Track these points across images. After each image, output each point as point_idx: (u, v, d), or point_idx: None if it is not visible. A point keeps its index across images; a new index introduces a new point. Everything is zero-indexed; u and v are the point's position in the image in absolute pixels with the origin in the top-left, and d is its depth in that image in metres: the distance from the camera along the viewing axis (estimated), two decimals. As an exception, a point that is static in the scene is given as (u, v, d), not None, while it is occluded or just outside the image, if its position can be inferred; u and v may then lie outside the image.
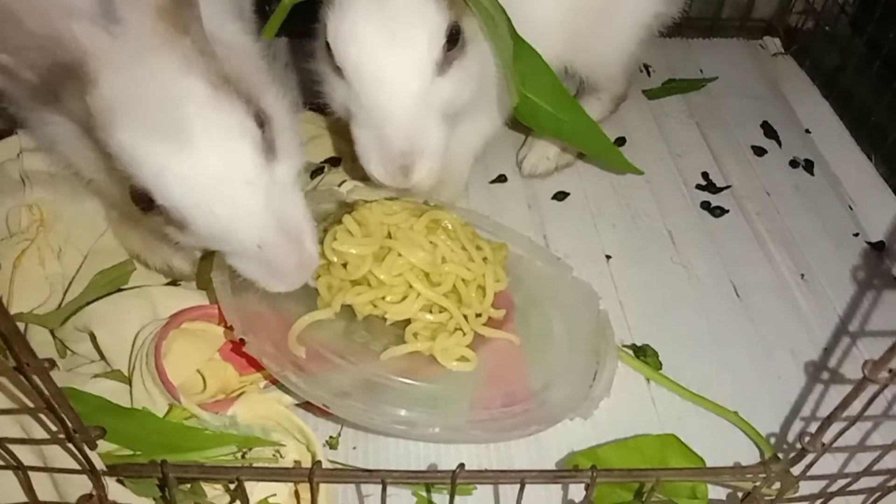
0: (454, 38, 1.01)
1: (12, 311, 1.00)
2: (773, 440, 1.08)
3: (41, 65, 0.83)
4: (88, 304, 0.98)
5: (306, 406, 1.01)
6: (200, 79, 0.85)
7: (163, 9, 0.84)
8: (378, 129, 1.01)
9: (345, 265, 1.01)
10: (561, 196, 1.44)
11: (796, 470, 0.83)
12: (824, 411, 1.11)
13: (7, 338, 0.60)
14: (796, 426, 1.10)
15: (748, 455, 1.06)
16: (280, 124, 0.94)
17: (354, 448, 1.04)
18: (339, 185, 1.30)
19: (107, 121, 0.84)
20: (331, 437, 1.04)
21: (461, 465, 0.77)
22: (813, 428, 0.76)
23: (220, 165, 0.84)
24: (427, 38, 0.98)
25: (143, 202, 0.87)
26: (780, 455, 1.05)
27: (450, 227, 1.07)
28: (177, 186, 0.84)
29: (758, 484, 0.86)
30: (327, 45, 1.01)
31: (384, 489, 0.79)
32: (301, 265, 0.92)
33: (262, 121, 0.89)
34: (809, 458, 0.79)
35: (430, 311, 1.02)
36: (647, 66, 1.72)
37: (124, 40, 0.84)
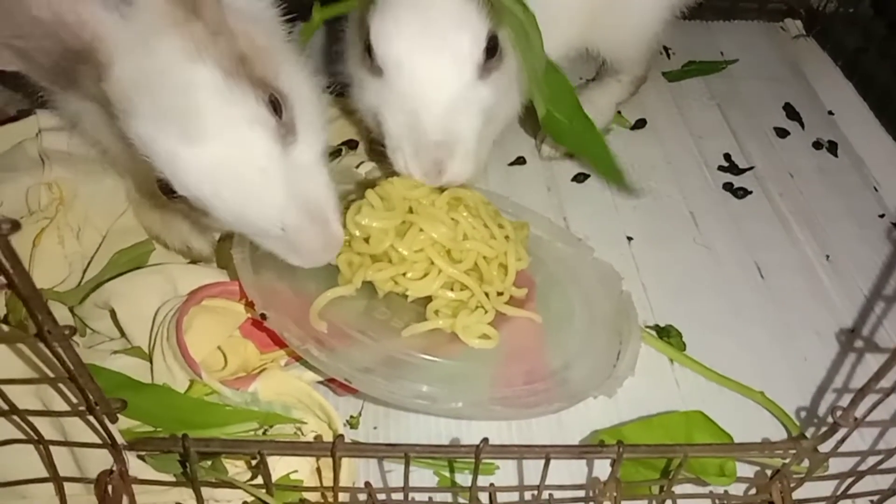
0: (493, 47, 1.02)
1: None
2: (799, 420, 1.07)
3: (53, 51, 0.82)
4: (108, 280, 0.97)
5: (326, 384, 1.01)
6: (212, 65, 0.83)
7: None
8: (414, 122, 1.00)
9: (367, 239, 1.00)
10: (581, 178, 1.42)
11: (826, 447, 0.81)
12: (853, 386, 1.09)
13: (28, 302, 0.59)
14: (823, 405, 1.09)
15: (774, 436, 1.04)
16: (301, 101, 0.93)
17: (375, 428, 1.04)
18: (357, 166, 1.29)
19: (123, 108, 0.83)
20: (351, 416, 1.04)
21: (485, 440, 0.76)
22: (844, 403, 0.75)
23: (231, 155, 0.84)
24: (469, 40, 0.99)
25: (166, 189, 0.87)
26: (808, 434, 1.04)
27: (471, 204, 1.06)
28: (191, 178, 0.84)
29: (787, 461, 0.85)
30: (367, 46, 1.01)
31: (407, 463, 0.78)
32: (326, 245, 0.92)
33: (279, 103, 0.88)
34: (840, 434, 0.78)
35: (452, 289, 1.01)
36: (666, 49, 1.70)
37: (135, 23, 0.83)
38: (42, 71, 0.85)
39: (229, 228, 0.93)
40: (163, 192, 0.89)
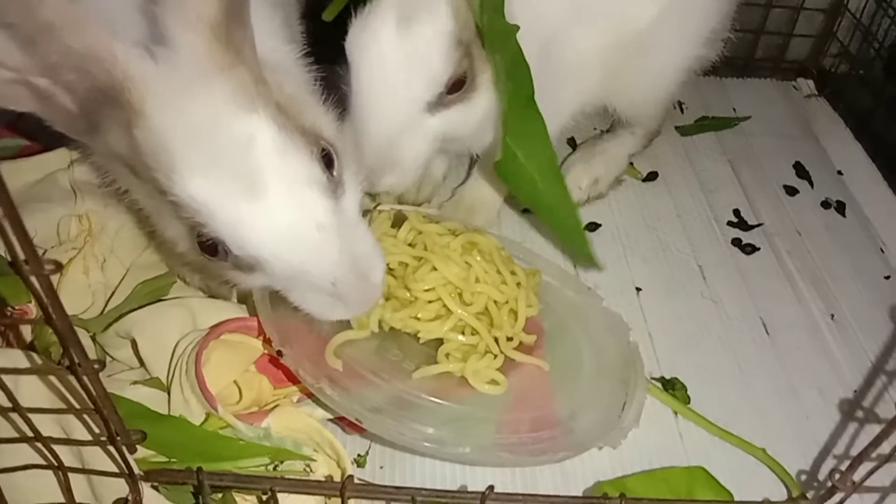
0: (457, 86, 1.05)
1: (56, 316, 1.03)
2: (799, 480, 1.08)
3: (79, 88, 0.75)
4: (131, 311, 1.00)
5: (336, 422, 1.03)
6: (265, 116, 0.80)
7: (217, 28, 0.77)
8: (359, 135, 1.05)
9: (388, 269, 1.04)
10: (592, 227, 1.45)
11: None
12: (854, 451, 1.10)
13: (63, 336, 0.62)
14: (825, 467, 1.09)
15: (774, 493, 1.05)
16: (342, 151, 0.91)
17: (382, 467, 1.05)
18: (375, 206, 1.32)
19: (162, 161, 0.78)
20: (359, 455, 1.05)
21: (490, 487, 0.77)
22: (843, 467, 0.76)
23: (293, 214, 0.81)
24: (425, 81, 1.02)
25: (208, 249, 0.84)
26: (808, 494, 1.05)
27: (485, 249, 1.09)
28: (252, 238, 0.81)
29: (786, 521, 0.86)
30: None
31: (414, 506, 0.80)
32: (367, 298, 0.91)
33: (331, 157, 0.87)
34: (838, 497, 0.79)
35: (463, 332, 1.04)
36: (680, 104, 1.74)
37: (174, 66, 0.77)
38: (62, 114, 0.78)
39: (270, 286, 0.90)
40: (203, 251, 0.85)
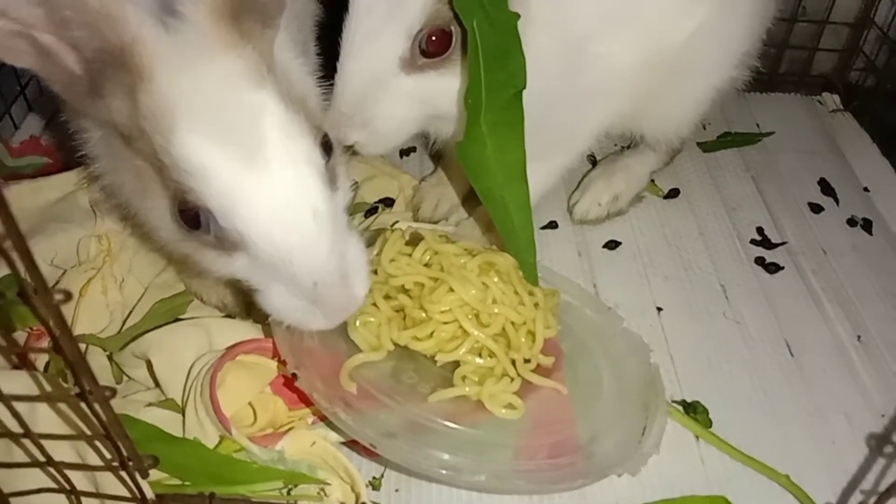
0: (436, 51, 1.02)
1: (75, 334, 1.03)
2: (824, 509, 1.05)
3: (87, 47, 0.75)
4: (147, 331, 1.01)
5: (351, 445, 1.02)
6: (273, 94, 0.80)
7: (223, 9, 0.79)
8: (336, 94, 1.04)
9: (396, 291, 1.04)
10: (612, 245, 1.43)
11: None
12: (884, 483, 1.07)
13: (73, 364, 0.62)
14: (853, 498, 1.06)
15: (799, 521, 1.03)
16: (338, 151, 0.91)
17: (397, 490, 1.04)
18: (393, 225, 1.32)
19: (164, 124, 0.77)
20: (374, 478, 1.04)
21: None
22: (871, 502, 0.74)
23: (292, 192, 0.80)
24: (394, 34, 1.00)
25: (191, 219, 0.81)
26: (834, 524, 1.02)
27: (503, 270, 1.08)
28: (245, 209, 0.78)
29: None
30: None
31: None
32: (346, 307, 0.88)
33: (329, 147, 0.86)
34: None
35: (480, 355, 1.02)
36: (702, 120, 1.71)
37: (183, 36, 0.78)
38: (62, 73, 0.77)
39: (242, 274, 0.87)
40: (183, 221, 0.82)
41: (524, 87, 1.01)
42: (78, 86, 0.79)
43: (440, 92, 1.07)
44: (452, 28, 1.02)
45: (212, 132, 0.77)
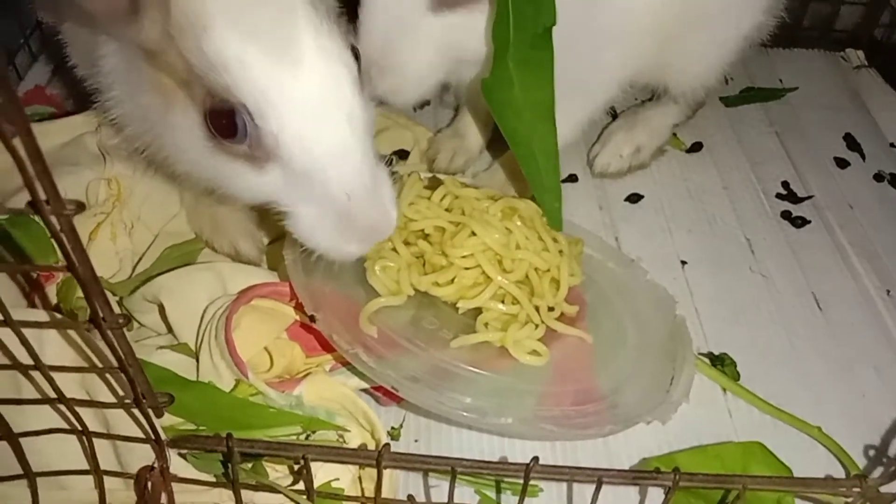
0: None
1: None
2: (879, 468, 1.02)
3: None
4: (158, 275, 0.97)
5: (371, 392, 0.99)
6: None
7: None
8: (363, 39, 1.00)
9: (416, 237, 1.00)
10: (634, 198, 1.39)
11: (890, 488, 0.77)
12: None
13: (85, 282, 0.58)
14: (882, 446, 1.03)
15: (831, 473, 1.00)
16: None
17: (416, 441, 1.01)
18: (409, 174, 1.28)
19: (198, 23, 0.76)
20: (392, 427, 1.01)
21: (535, 459, 0.73)
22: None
23: (327, 89, 0.78)
24: None
25: (223, 127, 0.79)
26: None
27: (526, 215, 1.04)
28: (281, 106, 0.77)
29: (850, 500, 0.80)
30: None
31: (453, 478, 0.75)
32: (379, 227, 0.85)
33: (357, 55, 0.84)
34: (907, 476, 0.74)
35: (503, 302, 0.99)
36: (725, 74, 1.66)
37: None
38: None
39: (272, 193, 0.84)
40: (214, 129, 0.80)
41: (553, 24, 0.96)
42: (117, 3, 0.76)
43: (469, 32, 1.03)
44: None
45: (247, 27, 0.76)
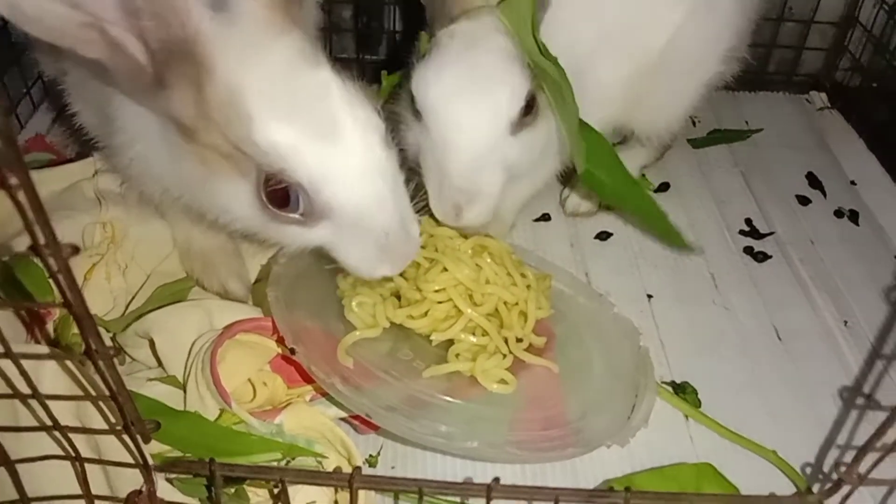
0: (530, 105, 1.07)
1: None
2: (807, 479, 1.07)
3: (153, 38, 0.79)
4: (150, 311, 1.03)
5: (349, 421, 1.05)
6: (330, 70, 0.87)
7: None
8: (442, 166, 1.06)
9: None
10: (604, 236, 1.46)
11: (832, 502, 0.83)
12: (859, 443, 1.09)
13: (79, 318, 0.64)
14: (831, 464, 1.09)
15: (787, 493, 1.05)
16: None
17: (393, 468, 1.06)
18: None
19: (237, 113, 0.82)
20: (371, 455, 1.07)
21: (496, 479, 0.79)
22: (849, 459, 0.76)
23: (366, 159, 0.88)
24: (508, 95, 1.04)
25: (279, 199, 0.88)
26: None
27: (496, 252, 1.11)
28: (333, 180, 0.86)
29: (793, 516, 0.86)
30: (411, 91, 1.07)
31: (420, 498, 0.81)
32: (409, 253, 0.96)
33: (381, 112, 0.92)
34: (845, 490, 0.79)
35: (473, 333, 1.05)
36: (693, 117, 1.74)
37: (238, 27, 0.83)
38: (129, 64, 0.81)
39: (320, 241, 0.94)
40: (271, 203, 0.89)
41: (578, 112, 1.11)
42: (143, 77, 0.82)
43: (533, 146, 1.11)
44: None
45: (290, 115, 0.83)
